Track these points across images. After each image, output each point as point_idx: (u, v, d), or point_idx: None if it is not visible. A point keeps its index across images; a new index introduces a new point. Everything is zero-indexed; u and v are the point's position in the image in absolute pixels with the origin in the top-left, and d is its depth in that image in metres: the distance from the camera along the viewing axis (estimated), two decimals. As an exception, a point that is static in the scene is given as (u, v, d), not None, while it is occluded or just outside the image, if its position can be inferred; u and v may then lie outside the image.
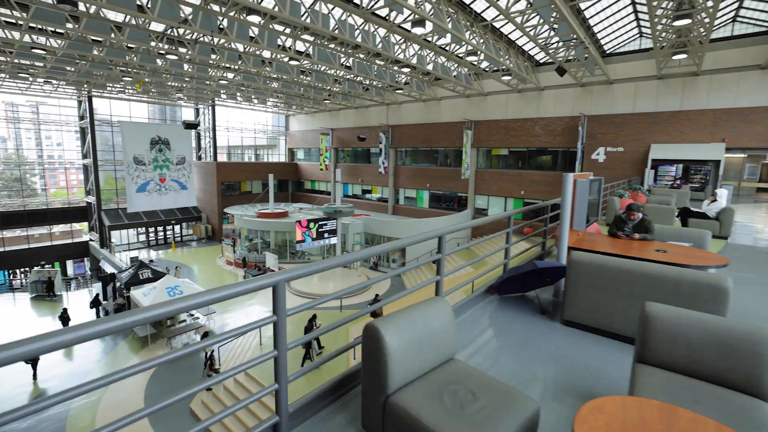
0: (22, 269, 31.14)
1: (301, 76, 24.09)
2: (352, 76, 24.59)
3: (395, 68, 21.53)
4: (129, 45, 18.00)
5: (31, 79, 25.36)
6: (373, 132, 34.13)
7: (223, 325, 18.98)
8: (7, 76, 24.90)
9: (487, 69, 23.17)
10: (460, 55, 20.67)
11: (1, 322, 20.68)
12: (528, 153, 25.89)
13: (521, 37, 20.34)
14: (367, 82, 26.97)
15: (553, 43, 19.06)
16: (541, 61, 24.04)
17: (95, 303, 19.75)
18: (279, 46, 17.45)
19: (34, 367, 14.92)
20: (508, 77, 23.11)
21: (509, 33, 19.87)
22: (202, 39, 16.73)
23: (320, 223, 25.16)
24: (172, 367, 15.46)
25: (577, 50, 19.06)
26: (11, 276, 30.07)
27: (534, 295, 4.80)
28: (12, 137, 35.08)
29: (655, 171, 19.26)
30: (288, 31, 15.81)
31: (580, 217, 4.65)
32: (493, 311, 4.42)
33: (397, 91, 27.80)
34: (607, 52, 21.86)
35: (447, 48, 19.55)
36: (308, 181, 42.48)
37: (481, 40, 16.82)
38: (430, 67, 20.72)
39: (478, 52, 19.57)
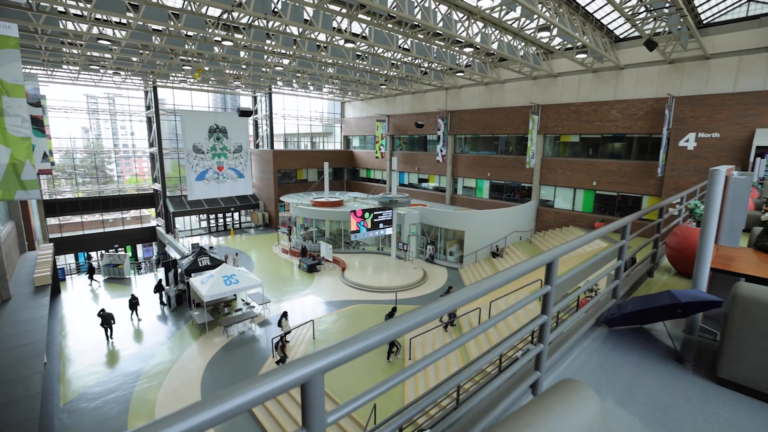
0: (99, 251, 33.62)
1: (357, 61, 23.44)
2: (410, 58, 23.57)
3: (456, 49, 20.18)
4: (187, 33, 18.20)
5: (101, 71, 26.84)
6: (430, 118, 33.04)
7: (281, 313, 19.13)
8: (81, 69, 26.51)
9: (559, 46, 21.12)
10: (530, 32, 18.87)
11: (81, 302, 22.38)
12: (602, 140, 23.63)
13: (601, 7, 18.18)
14: (426, 65, 25.85)
15: (641, 12, 16.77)
16: (622, 36, 21.53)
17: (158, 288, 20.63)
18: (334, 28, 16.80)
19: (110, 330, 17.05)
20: (583, 55, 20.94)
21: (587, 4, 17.81)
22: (256, 23, 16.46)
23: (375, 213, 24.63)
24: (228, 354, 15.79)
25: (670, 20, 16.64)
26: (88, 258, 32.53)
27: (664, 333, 3.69)
28: (93, 128, 37.80)
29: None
30: (344, 11, 15.08)
31: (732, 229, 3.47)
32: (608, 354, 3.38)
33: (458, 74, 26.40)
34: (704, 21, 19.02)
35: (515, 24, 17.89)
36: (363, 170, 42.28)
37: (555, 13, 15.09)
38: (494, 46, 19.19)
39: (551, 27, 17.73)
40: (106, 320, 16.99)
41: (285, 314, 16.33)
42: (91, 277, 24.88)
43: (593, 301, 3.60)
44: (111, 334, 17.16)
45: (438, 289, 21.62)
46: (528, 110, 26.14)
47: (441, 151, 31.73)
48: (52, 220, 32.62)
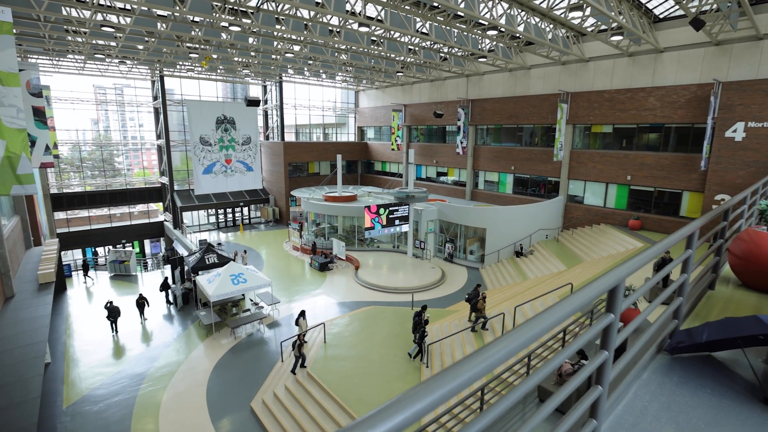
0: (106, 247, 34.07)
1: (372, 46, 23.00)
2: (428, 43, 22.99)
3: (478, 32, 19.53)
4: (193, 19, 17.98)
5: (107, 60, 26.99)
6: (450, 107, 32.47)
7: (291, 314, 19.02)
8: (86, 58, 26.69)
9: (592, 28, 20.26)
10: (560, 12, 18.09)
11: (87, 299, 22.62)
12: (638, 130, 22.76)
13: (641, -16, 17.28)
14: (446, 51, 25.28)
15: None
16: (662, 16, 20.53)
17: (164, 286, 20.68)
18: (347, 11, 16.35)
19: (115, 324, 17.71)
20: (619, 37, 20.08)
21: (625, -19, 16.94)
22: (264, 6, 16.12)
23: (391, 208, 24.27)
24: (236, 357, 15.76)
25: (719, -4, 15.67)
26: (95, 254, 32.99)
27: (743, 364, 3.16)
28: (102, 119, 38.30)
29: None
30: (358, -8, 14.62)
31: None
32: (674, 390, 2.88)
33: (480, 60, 25.75)
34: (758, -3, 17.94)
35: (543, 4, 17.15)
36: (378, 162, 41.94)
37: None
38: (520, 28, 18.47)
39: (584, 6, 16.95)
40: (113, 313, 17.48)
41: (303, 313, 16.17)
42: (85, 274, 25.21)
43: (655, 325, 3.09)
44: (116, 328, 17.68)
45: (458, 291, 21.14)
46: (556, 98, 25.37)
47: (461, 142, 31.19)
48: (59, 215, 33.15)
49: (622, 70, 22.73)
